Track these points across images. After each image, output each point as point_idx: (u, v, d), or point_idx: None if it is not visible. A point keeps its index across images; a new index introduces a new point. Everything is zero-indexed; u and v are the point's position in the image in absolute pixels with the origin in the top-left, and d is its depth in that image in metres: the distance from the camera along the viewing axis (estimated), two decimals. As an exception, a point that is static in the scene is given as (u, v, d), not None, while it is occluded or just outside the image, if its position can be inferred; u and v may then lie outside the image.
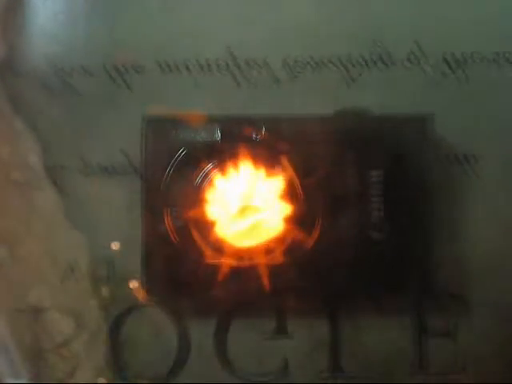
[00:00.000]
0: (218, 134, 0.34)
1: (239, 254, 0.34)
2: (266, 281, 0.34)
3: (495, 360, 0.36)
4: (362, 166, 0.34)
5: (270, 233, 0.34)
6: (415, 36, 0.36)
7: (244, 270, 0.34)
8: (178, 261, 0.34)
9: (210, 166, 0.34)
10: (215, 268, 0.34)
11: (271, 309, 0.36)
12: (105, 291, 0.36)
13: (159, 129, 0.34)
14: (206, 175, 0.34)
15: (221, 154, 0.34)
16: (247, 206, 0.34)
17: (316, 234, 0.34)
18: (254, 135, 0.34)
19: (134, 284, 0.35)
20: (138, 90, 0.36)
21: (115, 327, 0.36)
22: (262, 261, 0.34)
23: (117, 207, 0.36)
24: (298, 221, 0.34)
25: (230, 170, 0.34)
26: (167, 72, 0.36)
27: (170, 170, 0.34)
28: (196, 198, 0.34)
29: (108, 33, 0.36)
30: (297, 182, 0.34)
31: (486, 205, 0.36)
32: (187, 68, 0.36)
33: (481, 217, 0.36)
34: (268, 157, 0.34)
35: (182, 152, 0.34)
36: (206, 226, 0.34)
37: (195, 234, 0.34)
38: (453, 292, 0.36)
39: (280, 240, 0.34)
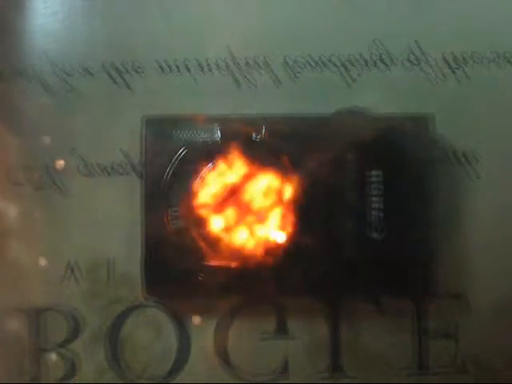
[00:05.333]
0: (218, 134, 0.34)
1: (239, 254, 0.34)
2: (265, 281, 0.34)
3: (495, 360, 0.36)
4: (362, 165, 0.34)
5: (270, 233, 0.34)
6: (415, 36, 0.36)
7: (244, 270, 0.34)
8: (178, 261, 0.34)
9: (210, 165, 0.34)
10: (215, 268, 0.34)
11: (271, 309, 0.36)
12: (105, 291, 0.36)
13: (159, 129, 0.34)
14: (206, 175, 0.34)
15: (221, 154, 0.34)
16: (247, 206, 0.34)
17: (316, 233, 0.34)
18: (254, 135, 0.34)
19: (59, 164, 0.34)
20: (138, 90, 0.36)
21: (115, 327, 0.36)
22: (261, 261, 0.34)
23: (117, 207, 0.36)
24: (298, 221, 0.34)
25: (230, 170, 0.34)
26: (167, 72, 0.36)
27: (170, 169, 0.34)
28: (196, 197, 0.34)
29: (108, 33, 0.36)
30: (297, 181, 0.34)
31: (486, 205, 0.36)
32: (187, 68, 0.36)
33: (481, 216, 0.36)
34: (268, 157, 0.34)
35: (182, 152, 0.34)
36: (205, 226, 0.34)
37: (195, 234, 0.34)
38: (453, 292, 0.36)
39: (279, 239, 0.34)
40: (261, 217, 0.34)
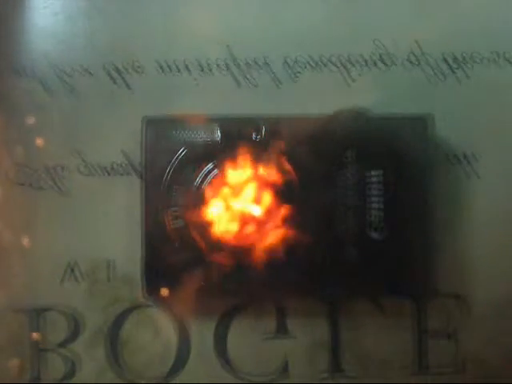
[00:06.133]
0: (218, 134, 0.34)
1: (239, 253, 0.34)
2: (265, 280, 0.34)
3: (495, 360, 0.36)
4: (362, 165, 0.34)
5: (270, 232, 0.34)
6: (415, 36, 0.36)
7: (244, 270, 0.34)
8: (178, 261, 0.34)
9: (209, 165, 0.34)
10: (215, 268, 0.34)
11: (271, 309, 0.36)
12: (105, 291, 0.36)
13: (159, 129, 0.34)
14: (206, 175, 0.34)
15: (221, 153, 0.34)
16: (247, 206, 0.34)
17: (316, 233, 0.34)
18: (254, 135, 0.34)
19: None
20: (137, 90, 0.36)
21: (115, 327, 0.36)
22: (261, 260, 0.34)
23: (117, 207, 0.36)
24: (298, 220, 0.34)
25: (230, 170, 0.34)
26: (167, 72, 0.36)
27: (170, 169, 0.34)
28: (196, 198, 0.34)
29: (108, 33, 0.36)
30: (296, 181, 0.34)
31: (486, 205, 0.36)
32: (187, 68, 0.36)
33: (481, 217, 0.36)
34: (268, 157, 0.34)
35: (181, 152, 0.34)
36: (205, 226, 0.34)
37: (195, 234, 0.34)
38: (453, 292, 0.36)
39: (279, 240, 0.34)
40: (260, 216, 0.34)
